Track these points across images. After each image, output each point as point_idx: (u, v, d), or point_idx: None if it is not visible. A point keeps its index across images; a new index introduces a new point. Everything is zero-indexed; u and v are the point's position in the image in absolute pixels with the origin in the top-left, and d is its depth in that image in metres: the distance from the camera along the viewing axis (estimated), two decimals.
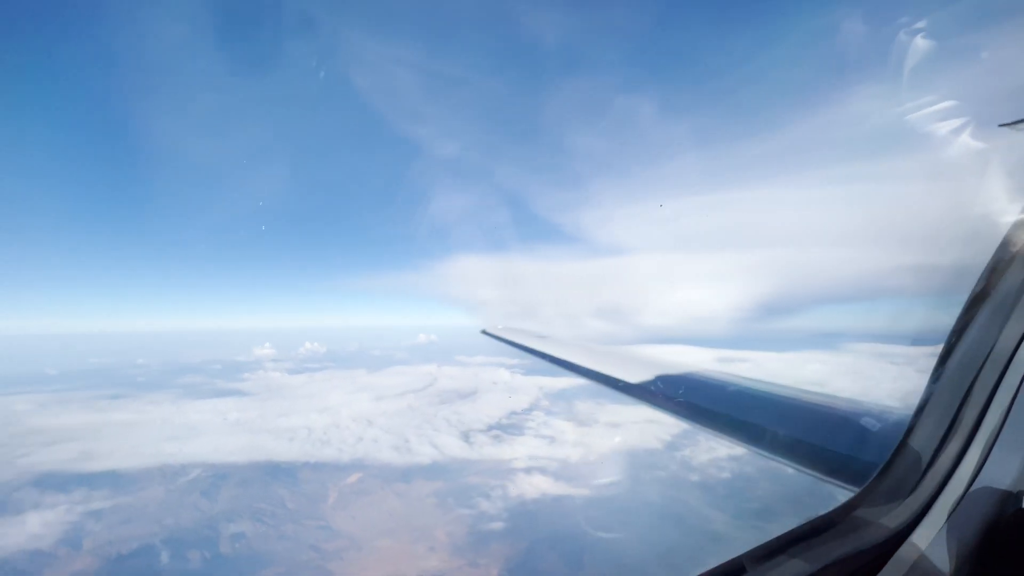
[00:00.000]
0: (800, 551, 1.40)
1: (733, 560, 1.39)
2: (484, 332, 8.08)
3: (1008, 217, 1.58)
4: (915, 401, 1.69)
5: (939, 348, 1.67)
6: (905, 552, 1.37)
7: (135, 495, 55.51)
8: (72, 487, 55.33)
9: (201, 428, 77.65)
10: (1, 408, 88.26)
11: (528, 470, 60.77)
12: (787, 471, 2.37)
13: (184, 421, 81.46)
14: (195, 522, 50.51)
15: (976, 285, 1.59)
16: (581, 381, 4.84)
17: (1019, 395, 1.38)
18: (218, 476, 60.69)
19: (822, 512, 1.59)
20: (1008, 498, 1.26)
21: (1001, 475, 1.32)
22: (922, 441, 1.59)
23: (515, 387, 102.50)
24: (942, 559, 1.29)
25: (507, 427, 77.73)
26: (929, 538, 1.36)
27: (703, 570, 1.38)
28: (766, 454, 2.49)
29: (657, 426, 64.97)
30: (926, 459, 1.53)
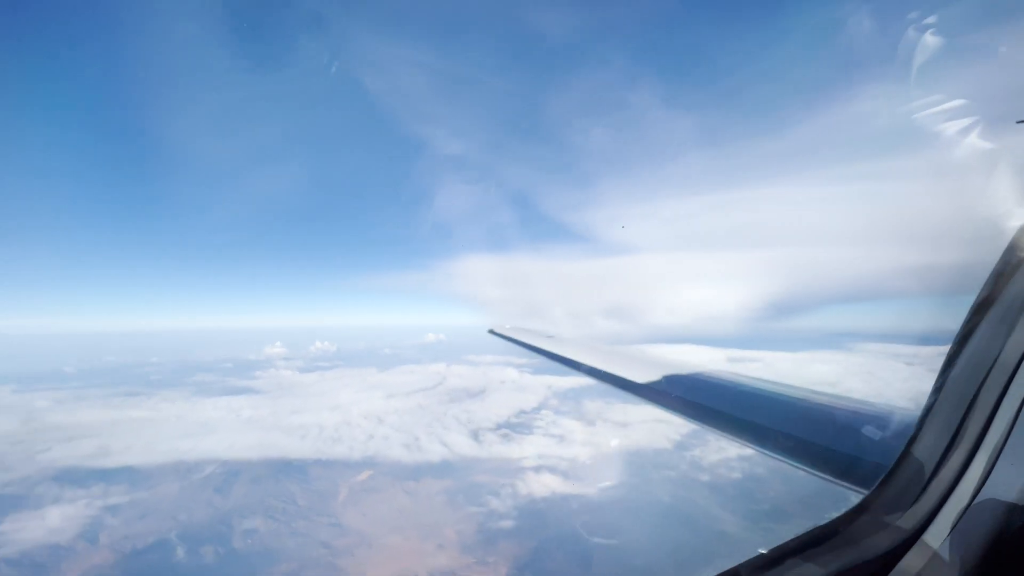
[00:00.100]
0: (801, 561, 1.38)
1: (732, 569, 1.37)
2: (491, 332, 8.10)
3: (1015, 221, 1.54)
4: (924, 402, 1.63)
5: (950, 349, 1.60)
6: (907, 564, 1.34)
7: (151, 491, 56.51)
8: (90, 482, 56.50)
9: (214, 425, 78.79)
10: (21, 404, 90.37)
11: (537, 469, 60.79)
12: (794, 472, 2.36)
13: (198, 418, 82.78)
14: (209, 518, 51.28)
15: (981, 291, 1.53)
16: (590, 380, 4.83)
17: None
18: (231, 473, 61.54)
19: (826, 517, 1.56)
20: (1014, 511, 1.21)
21: (1007, 487, 1.26)
22: (926, 450, 1.54)
23: (524, 386, 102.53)
24: (945, 573, 1.25)
25: (516, 426, 77.83)
26: (932, 551, 1.32)
27: None
28: (773, 455, 2.49)
29: (666, 426, 64.61)
30: (929, 469, 1.49)
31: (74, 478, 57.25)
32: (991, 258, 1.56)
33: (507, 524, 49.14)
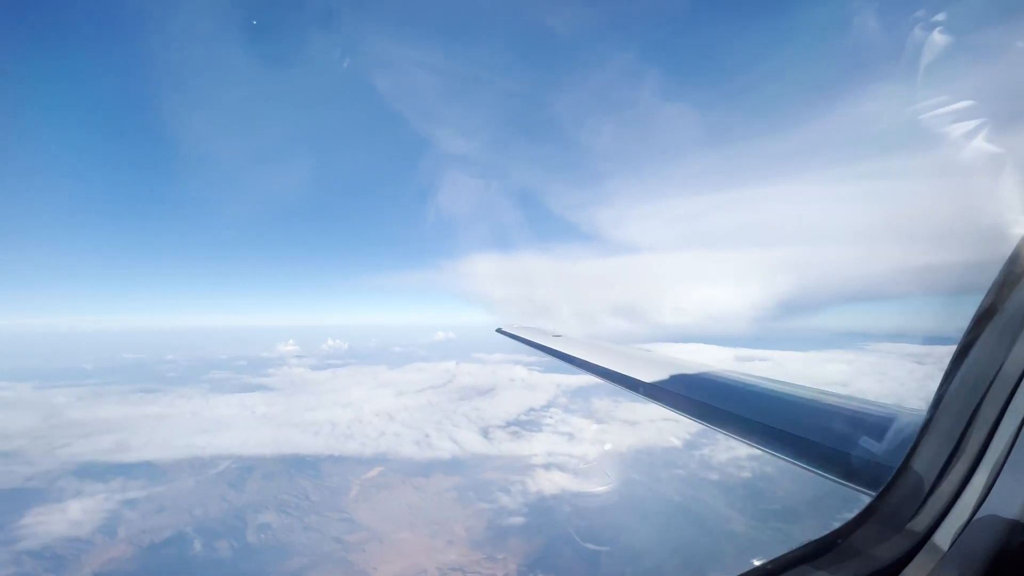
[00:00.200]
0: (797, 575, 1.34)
1: None
2: (499, 331, 8.12)
3: (1018, 228, 1.48)
4: (931, 406, 1.58)
5: (951, 361, 1.55)
6: None
7: (167, 485, 57.59)
8: (109, 477, 57.73)
9: (229, 422, 79.98)
10: (43, 401, 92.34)
11: (547, 466, 60.85)
12: (803, 472, 2.37)
13: (213, 415, 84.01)
14: (223, 513, 52.11)
15: (983, 301, 1.47)
16: (598, 379, 4.84)
17: None
18: (245, 468, 62.46)
19: (828, 522, 1.54)
20: (1015, 528, 1.14)
21: (1008, 503, 1.20)
22: (925, 463, 1.48)
23: (533, 384, 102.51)
24: None
25: (525, 423, 77.92)
26: (929, 568, 1.26)
27: None
28: (779, 455, 2.49)
29: (676, 424, 64.23)
30: (928, 483, 1.42)
31: (94, 473, 58.56)
32: (1003, 257, 1.50)
33: (517, 521, 49.30)
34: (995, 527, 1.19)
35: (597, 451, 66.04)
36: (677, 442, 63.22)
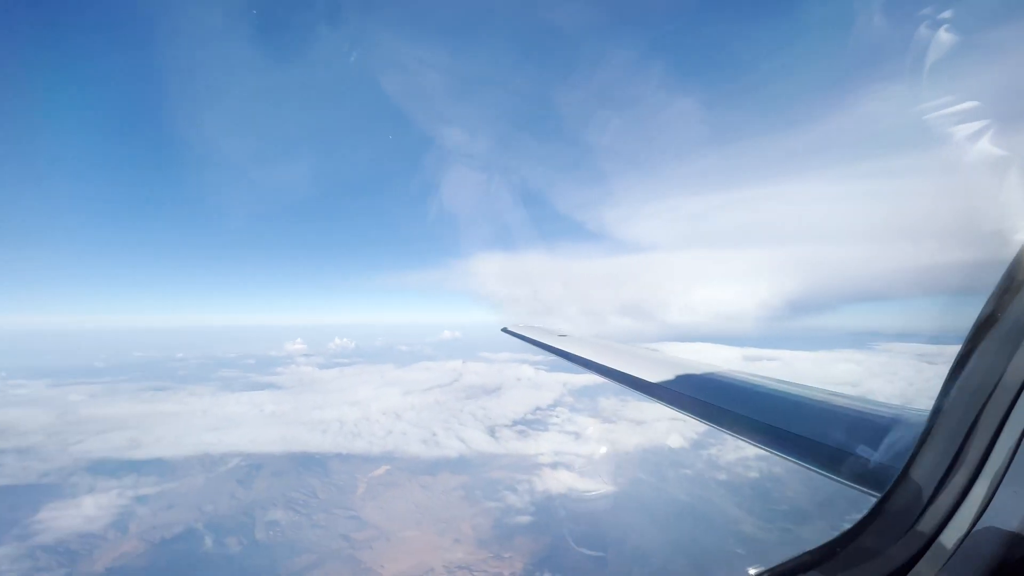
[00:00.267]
0: None
1: None
2: (505, 330, 8.12)
3: (1020, 234, 1.42)
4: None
5: (950, 369, 1.53)
6: None
7: (178, 482, 58.31)
8: (122, 473, 58.57)
9: (238, 419, 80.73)
10: (57, 398, 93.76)
11: (553, 465, 60.85)
12: (808, 473, 2.35)
13: (223, 412, 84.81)
14: (233, 509, 52.68)
15: (983, 309, 1.43)
16: (604, 379, 4.83)
17: None
18: (254, 466, 63.06)
19: (837, 521, 1.54)
20: (1016, 540, 1.12)
21: (1009, 514, 1.17)
22: (924, 473, 1.45)
23: (539, 383, 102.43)
24: None
25: (532, 422, 77.96)
26: None
27: None
28: (786, 456, 2.47)
29: (683, 424, 63.89)
30: (927, 493, 1.39)
31: (107, 469, 59.40)
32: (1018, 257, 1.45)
33: (523, 520, 49.36)
34: (995, 539, 1.17)
35: (604, 450, 65.89)
36: (684, 442, 62.96)
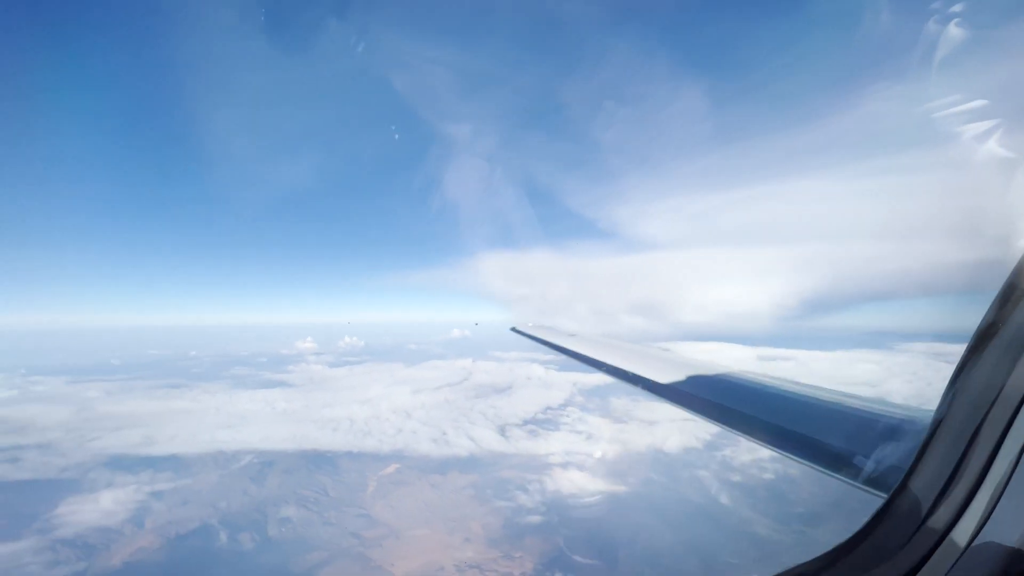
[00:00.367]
0: None
1: None
2: (514, 330, 8.10)
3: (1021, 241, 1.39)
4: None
5: (950, 381, 1.50)
6: None
7: (193, 478, 59.35)
8: (138, 469, 59.76)
9: (251, 417, 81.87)
10: (75, 395, 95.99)
11: (564, 465, 60.79)
12: (822, 475, 2.32)
13: (236, 410, 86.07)
14: (245, 506, 53.44)
15: (985, 316, 1.41)
16: (614, 379, 4.79)
17: None
18: (266, 463, 63.90)
19: (853, 524, 1.48)
20: (1015, 556, 1.09)
21: (1008, 529, 1.15)
22: (923, 485, 1.42)
23: (550, 382, 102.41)
24: None
25: (542, 422, 77.93)
26: None
27: None
28: (796, 458, 2.44)
29: (695, 424, 63.38)
30: (926, 506, 1.37)
31: (123, 465, 60.61)
32: None
33: (534, 519, 49.36)
34: (995, 554, 1.16)
35: (615, 450, 65.65)
36: (698, 443, 62.49)
